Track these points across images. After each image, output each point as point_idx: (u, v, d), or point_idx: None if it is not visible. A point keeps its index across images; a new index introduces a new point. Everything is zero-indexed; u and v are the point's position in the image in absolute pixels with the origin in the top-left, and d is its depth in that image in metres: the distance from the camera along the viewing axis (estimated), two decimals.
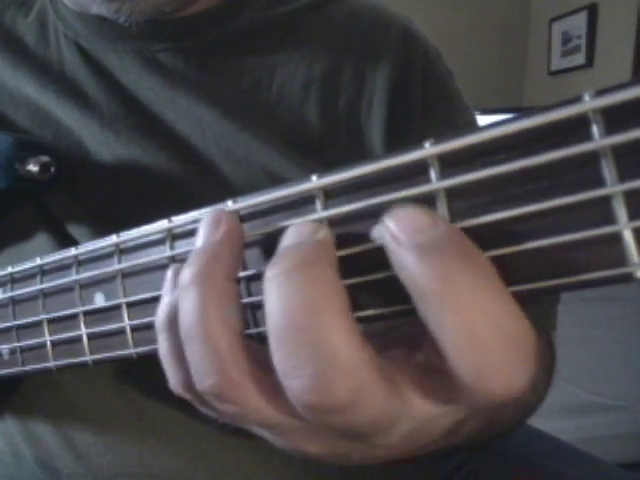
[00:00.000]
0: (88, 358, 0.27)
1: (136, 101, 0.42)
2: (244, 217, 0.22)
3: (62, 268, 0.28)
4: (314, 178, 0.20)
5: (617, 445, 1.09)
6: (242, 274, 0.22)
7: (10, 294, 0.30)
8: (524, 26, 2.47)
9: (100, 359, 0.27)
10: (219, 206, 0.22)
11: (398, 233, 0.17)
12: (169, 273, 0.22)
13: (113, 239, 0.25)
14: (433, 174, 0.18)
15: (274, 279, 0.18)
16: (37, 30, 0.45)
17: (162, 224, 0.24)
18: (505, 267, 0.17)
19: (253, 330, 0.22)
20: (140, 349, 0.25)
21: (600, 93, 0.15)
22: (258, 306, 0.22)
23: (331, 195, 0.20)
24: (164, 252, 0.24)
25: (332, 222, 0.19)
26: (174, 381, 0.22)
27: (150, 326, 0.24)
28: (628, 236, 0.15)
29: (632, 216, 0.15)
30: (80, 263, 0.27)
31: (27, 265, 0.29)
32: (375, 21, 0.47)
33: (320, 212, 0.20)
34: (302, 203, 0.20)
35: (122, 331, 0.26)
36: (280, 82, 0.44)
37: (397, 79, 0.44)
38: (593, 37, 2.11)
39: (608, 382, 1.21)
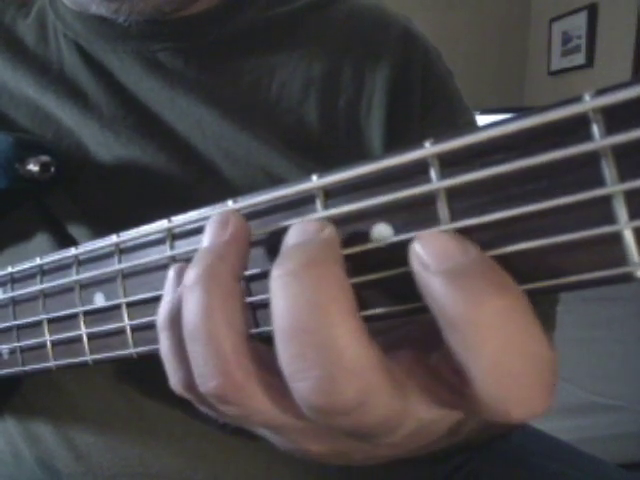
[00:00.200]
0: (88, 358, 0.27)
1: (136, 101, 0.42)
2: (244, 217, 0.22)
3: (62, 268, 0.28)
4: (314, 178, 0.20)
5: (617, 445, 1.09)
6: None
7: (10, 294, 0.30)
8: (524, 26, 2.47)
9: (100, 359, 0.27)
10: (219, 205, 0.22)
11: (427, 258, 0.16)
12: (171, 272, 0.22)
13: (113, 239, 0.25)
14: (433, 174, 0.18)
15: (280, 279, 0.18)
16: (37, 30, 0.45)
17: (162, 224, 0.24)
18: (505, 267, 0.17)
19: (254, 330, 0.22)
20: (140, 349, 0.25)
21: (600, 93, 0.15)
22: (259, 306, 0.22)
23: (331, 195, 0.20)
24: (164, 252, 0.24)
25: (332, 222, 0.19)
26: (174, 380, 0.22)
27: (150, 326, 0.24)
28: (628, 236, 0.15)
29: (632, 216, 0.15)
30: (80, 263, 0.27)
31: (27, 265, 0.29)
32: (375, 21, 0.47)
33: (320, 212, 0.20)
34: (302, 203, 0.20)
35: (122, 331, 0.26)
36: (280, 82, 0.44)
37: (397, 79, 0.44)
38: (593, 37, 2.11)
39: (608, 382, 1.21)
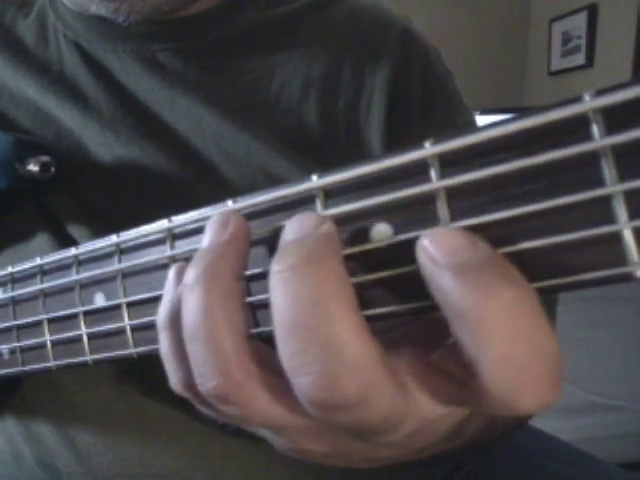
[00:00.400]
0: (88, 358, 0.27)
1: (136, 101, 0.42)
2: (244, 217, 0.22)
3: (62, 268, 0.28)
4: (314, 178, 0.20)
5: (617, 445, 1.09)
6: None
7: (10, 294, 0.30)
8: (524, 26, 2.47)
9: (100, 359, 0.27)
10: (219, 205, 0.22)
11: (436, 253, 0.16)
12: (171, 272, 0.22)
13: (113, 239, 0.25)
14: (433, 174, 0.18)
15: (280, 274, 0.18)
16: (37, 30, 0.45)
17: (162, 224, 0.24)
18: None
19: (254, 330, 0.22)
20: (140, 349, 0.25)
21: (600, 93, 0.15)
22: (259, 306, 0.22)
23: (331, 195, 0.20)
24: (164, 252, 0.24)
25: (332, 221, 0.19)
26: (174, 380, 0.22)
27: (150, 326, 0.24)
28: (628, 236, 0.15)
29: (632, 216, 0.15)
30: (80, 263, 0.27)
31: (27, 265, 0.29)
32: (374, 21, 0.47)
33: (320, 212, 0.20)
34: (302, 203, 0.20)
35: (122, 331, 0.26)
36: (279, 82, 0.44)
37: (396, 79, 0.44)
38: (593, 37, 2.11)
39: (608, 382, 1.21)
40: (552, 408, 0.17)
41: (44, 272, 0.29)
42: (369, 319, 0.19)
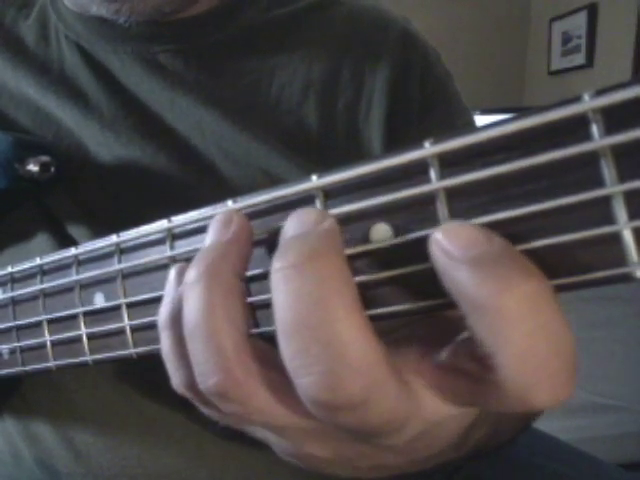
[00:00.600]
0: (88, 358, 0.27)
1: (136, 102, 0.42)
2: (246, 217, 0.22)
3: (62, 268, 0.28)
4: (314, 178, 0.20)
5: (617, 445, 1.09)
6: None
7: (10, 294, 0.30)
8: (524, 26, 2.47)
9: (100, 359, 0.27)
10: (219, 205, 0.22)
11: (451, 248, 0.16)
12: (172, 272, 0.22)
13: (113, 239, 0.25)
14: (433, 174, 0.18)
15: (281, 272, 0.17)
16: (38, 31, 0.45)
17: (162, 224, 0.24)
18: None
19: (255, 330, 0.22)
20: (140, 349, 0.25)
21: (600, 93, 0.15)
22: (260, 305, 0.21)
23: (331, 195, 0.20)
24: (164, 252, 0.24)
25: None
26: (176, 380, 0.22)
27: (150, 326, 0.24)
28: (628, 236, 0.15)
29: (632, 216, 0.15)
30: (80, 263, 0.27)
31: (27, 265, 0.29)
32: (374, 22, 0.47)
33: None
34: (302, 203, 0.20)
35: (122, 331, 0.26)
36: (279, 84, 0.44)
37: (396, 80, 0.45)
38: (593, 37, 2.11)
39: (608, 382, 1.21)
40: (552, 408, 0.17)
41: (44, 272, 0.29)
42: (372, 319, 0.19)
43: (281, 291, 0.17)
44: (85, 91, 0.42)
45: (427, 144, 0.18)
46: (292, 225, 0.19)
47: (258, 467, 0.40)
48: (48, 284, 0.28)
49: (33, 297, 0.29)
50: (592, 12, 2.09)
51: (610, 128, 0.15)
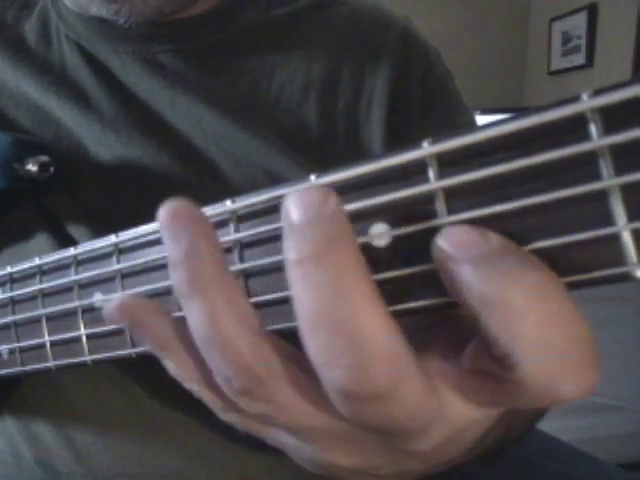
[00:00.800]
0: (87, 358, 0.27)
1: (136, 101, 0.42)
2: (243, 216, 0.22)
3: (61, 268, 0.28)
4: (312, 177, 0.20)
5: (617, 445, 1.09)
6: (239, 269, 0.22)
7: (9, 294, 0.30)
8: (524, 26, 2.46)
9: (99, 359, 0.27)
10: (219, 205, 0.22)
11: (451, 250, 0.16)
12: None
13: (112, 239, 0.25)
14: (431, 174, 0.18)
15: (300, 267, 0.17)
16: (39, 30, 0.45)
17: None
18: None
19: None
20: (139, 349, 0.25)
21: (598, 92, 0.15)
22: (264, 304, 0.21)
23: None
24: (163, 252, 0.24)
25: None
26: (203, 394, 0.22)
27: None
28: (626, 236, 0.15)
29: (631, 216, 0.15)
30: (79, 263, 0.27)
31: (26, 265, 0.29)
32: (374, 22, 0.47)
33: None
34: None
35: (121, 331, 0.26)
36: (279, 83, 0.44)
37: (396, 80, 0.45)
38: (593, 37, 2.10)
39: (608, 382, 1.21)
40: (552, 408, 0.17)
41: (43, 272, 0.29)
42: None
43: (301, 287, 0.17)
44: (86, 91, 0.42)
45: (425, 144, 0.17)
46: (294, 209, 0.17)
47: (258, 467, 0.40)
48: (47, 284, 0.28)
49: (32, 297, 0.29)
50: (592, 12, 2.09)
51: (608, 128, 0.15)
